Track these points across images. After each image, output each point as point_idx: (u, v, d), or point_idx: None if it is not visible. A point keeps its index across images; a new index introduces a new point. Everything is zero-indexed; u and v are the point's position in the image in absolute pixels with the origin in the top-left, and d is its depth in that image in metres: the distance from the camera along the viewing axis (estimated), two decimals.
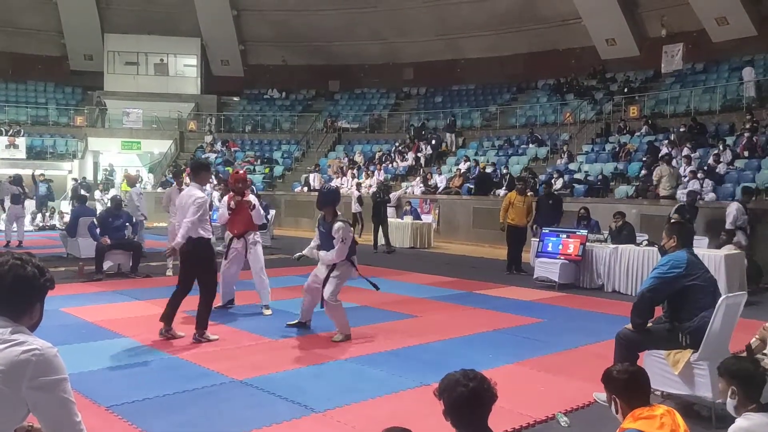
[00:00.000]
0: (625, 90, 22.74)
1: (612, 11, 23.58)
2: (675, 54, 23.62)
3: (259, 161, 26.48)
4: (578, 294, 9.84)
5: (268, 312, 8.13)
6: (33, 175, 20.42)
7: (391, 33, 28.56)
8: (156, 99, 28.36)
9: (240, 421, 4.33)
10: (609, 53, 24.91)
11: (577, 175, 18.20)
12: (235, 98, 31.24)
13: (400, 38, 28.61)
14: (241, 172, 9.35)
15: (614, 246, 10.09)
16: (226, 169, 25.05)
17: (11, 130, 25.02)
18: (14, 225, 15.61)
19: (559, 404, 4.68)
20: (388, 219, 17.97)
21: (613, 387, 2.96)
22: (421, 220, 17.36)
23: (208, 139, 27.89)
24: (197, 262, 6.70)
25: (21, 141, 24.82)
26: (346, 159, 24.96)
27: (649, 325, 4.63)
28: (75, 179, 24.26)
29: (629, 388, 2.88)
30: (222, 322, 7.44)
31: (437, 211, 18.31)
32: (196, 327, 6.62)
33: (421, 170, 22.27)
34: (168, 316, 6.71)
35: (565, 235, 10.43)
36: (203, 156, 26.87)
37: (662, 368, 4.48)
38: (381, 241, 15.73)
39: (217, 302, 7.53)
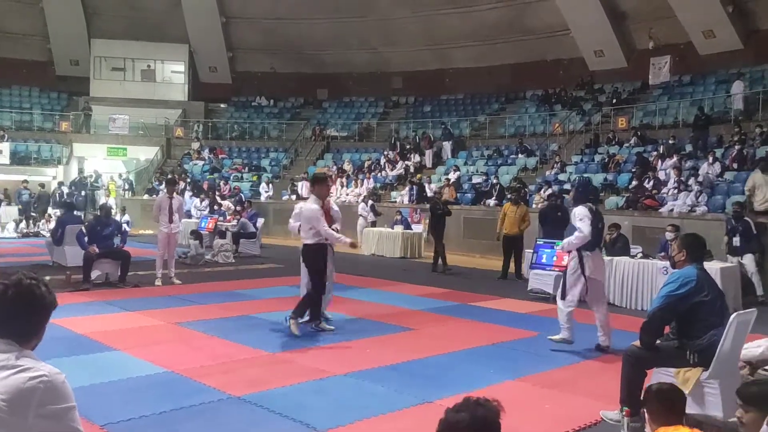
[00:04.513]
0: (614, 101, 22.87)
1: (600, 23, 23.74)
2: (662, 66, 23.82)
3: (246, 169, 26.28)
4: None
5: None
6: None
7: (379, 42, 28.55)
8: (143, 105, 28.07)
9: None
10: (597, 64, 25.07)
11: (566, 186, 18.21)
12: (223, 105, 31.04)
13: (388, 47, 28.61)
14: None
15: (609, 258, 10.05)
16: (211, 177, 24.90)
17: None
18: None
19: (567, 423, 4.60)
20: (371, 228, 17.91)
21: (648, 404, 2.87)
22: (411, 229, 17.27)
23: (195, 146, 27.66)
24: (308, 264, 7.56)
25: (5, 146, 24.43)
26: (335, 167, 24.85)
27: (657, 342, 4.56)
28: (60, 183, 24.03)
29: (663, 406, 2.79)
30: (216, 335, 7.29)
31: (427, 221, 18.20)
32: (309, 319, 7.57)
33: (408, 178, 22.21)
34: (315, 314, 7.56)
35: (560, 247, 10.37)
36: (191, 163, 26.73)
37: None
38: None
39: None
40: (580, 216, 6.68)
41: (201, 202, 21.18)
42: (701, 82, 21.95)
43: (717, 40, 21.52)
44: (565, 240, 6.90)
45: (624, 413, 4.38)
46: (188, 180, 24.22)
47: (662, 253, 9.91)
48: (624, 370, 4.55)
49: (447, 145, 23.98)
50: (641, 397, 2.89)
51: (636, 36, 24.18)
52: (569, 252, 7.03)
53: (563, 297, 6.87)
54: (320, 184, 7.65)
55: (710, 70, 22.02)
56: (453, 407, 2.26)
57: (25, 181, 22.57)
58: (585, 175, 18.79)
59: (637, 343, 4.59)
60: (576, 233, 6.71)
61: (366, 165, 24.32)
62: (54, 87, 29.24)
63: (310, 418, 4.61)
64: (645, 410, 2.84)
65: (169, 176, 16.83)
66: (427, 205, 15.55)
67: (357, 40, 28.50)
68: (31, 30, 28.22)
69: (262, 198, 23.10)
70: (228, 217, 17.90)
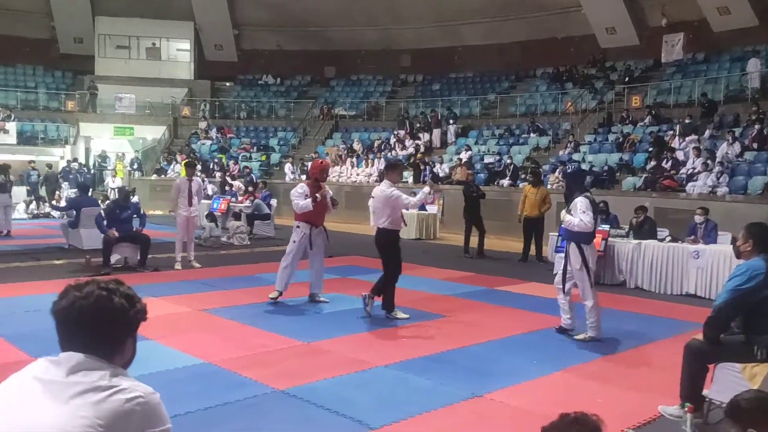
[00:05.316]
0: (626, 79, 22.57)
1: (612, 0, 23.35)
2: (675, 44, 23.47)
3: (255, 148, 26.06)
4: (600, 290, 9.55)
5: (325, 300, 8.43)
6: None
7: (387, 19, 28.13)
8: (148, 84, 27.75)
9: None
10: (608, 42, 24.73)
11: (582, 166, 18.01)
12: (229, 84, 30.71)
13: (397, 24, 28.20)
14: (324, 161, 9.41)
15: (637, 242, 9.92)
16: (220, 156, 24.69)
17: (2, 115, 24.41)
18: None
19: (624, 419, 4.48)
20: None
21: (748, 419, 2.65)
22: (426, 210, 17.10)
23: (203, 125, 27.41)
24: (382, 250, 7.54)
25: (11, 126, 24.22)
26: (344, 147, 24.63)
27: (721, 336, 4.42)
28: (70, 160, 23.90)
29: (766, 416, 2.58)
30: (246, 323, 7.18)
31: (441, 201, 18.06)
32: (383, 307, 7.56)
33: (419, 158, 21.97)
34: (388, 303, 7.52)
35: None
36: (199, 142, 26.49)
37: (737, 382, 4.28)
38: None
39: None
40: (582, 208, 6.62)
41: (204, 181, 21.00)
42: (715, 60, 21.65)
43: (731, 17, 21.16)
44: (567, 218, 6.73)
45: (687, 409, 4.26)
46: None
47: (691, 237, 9.76)
48: (685, 364, 4.42)
49: (452, 129, 23.69)
50: (737, 408, 2.64)
51: (648, 13, 23.80)
52: (569, 245, 6.83)
53: (592, 297, 6.71)
54: (393, 170, 7.80)
55: (725, 48, 21.70)
56: (549, 426, 2.12)
57: (33, 162, 22.37)
58: (600, 154, 18.61)
59: (700, 336, 4.45)
60: (578, 222, 6.58)
61: (376, 144, 24.09)
62: (58, 65, 28.91)
63: (361, 415, 4.50)
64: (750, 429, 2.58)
65: (189, 158, 16.60)
66: (440, 186, 15.22)
67: (364, 16, 28.08)
68: (34, 7, 27.82)
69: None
70: (240, 198, 17.73)
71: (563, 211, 7.02)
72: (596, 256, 7.48)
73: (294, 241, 8.26)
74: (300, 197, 8.07)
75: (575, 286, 6.85)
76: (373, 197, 8.03)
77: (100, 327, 1.89)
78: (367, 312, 7.57)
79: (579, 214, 6.58)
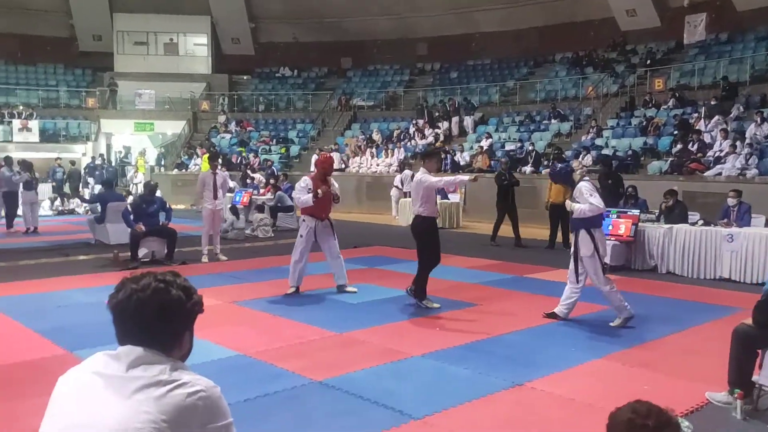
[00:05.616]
0: (648, 62, 22.24)
1: None
2: (698, 24, 23.06)
3: (274, 141, 26.08)
4: (632, 276, 9.55)
5: (353, 290, 8.38)
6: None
7: (403, 7, 27.96)
8: (167, 79, 27.86)
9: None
10: (629, 24, 24.37)
11: (605, 151, 17.80)
12: (246, 77, 30.74)
13: (412, 13, 28.01)
14: (329, 156, 9.47)
15: (668, 226, 9.77)
16: (240, 150, 24.73)
17: (24, 113, 24.66)
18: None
19: (673, 406, 4.37)
20: (401, 199, 17.62)
21: None
22: (448, 199, 17.00)
23: (222, 119, 27.47)
24: (419, 237, 7.47)
25: (34, 124, 24.46)
26: (363, 137, 24.56)
27: None
28: (95, 156, 24.11)
29: None
30: (278, 314, 7.17)
31: (464, 189, 17.93)
32: (414, 295, 7.48)
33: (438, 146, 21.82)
34: (420, 291, 7.44)
35: (615, 215, 10.11)
36: (219, 136, 26.55)
37: None
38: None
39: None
40: (588, 191, 6.61)
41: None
42: (740, 40, 21.24)
43: None
44: (577, 206, 6.64)
45: (736, 396, 4.18)
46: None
47: (724, 220, 9.59)
48: (733, 350, 4.33)
49: (469, 120, 23.47)
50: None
51: None
52: (579, 231, 6.73)
53: (605, 283, 6.64)
54: (431, 158, 7.73)
55: (749, 27, 21.27)
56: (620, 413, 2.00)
57: (59, 159, 22.61)
58: (623, 139, 18.38)
59: (749, 321, 4.34)
60: (589, 207, 6.52)
61: (395, 134, 23.99)
62: (78, 63, 29.12)
63: (402, 405, 4.45)
64: None
65: (210, 151, 16.62)
66: (467, 174, 14.95)
67: (379, 6, 27.93)
68: (53, 6, 28.01)
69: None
70: (262, 191, 17.75)
71: (567, 201, 6.94)
72: (606, 241, 7.42)
73: (301, 236, 8.29)
74: (302, 191, 8.09)
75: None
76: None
77: (158, 320, 1.85)
78: (425, 305, 7.48)
79: (588, 199, 6.53)
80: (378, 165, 22.30)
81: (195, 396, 1.81)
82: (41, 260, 10.91)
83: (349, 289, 8.40)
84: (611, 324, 6.67)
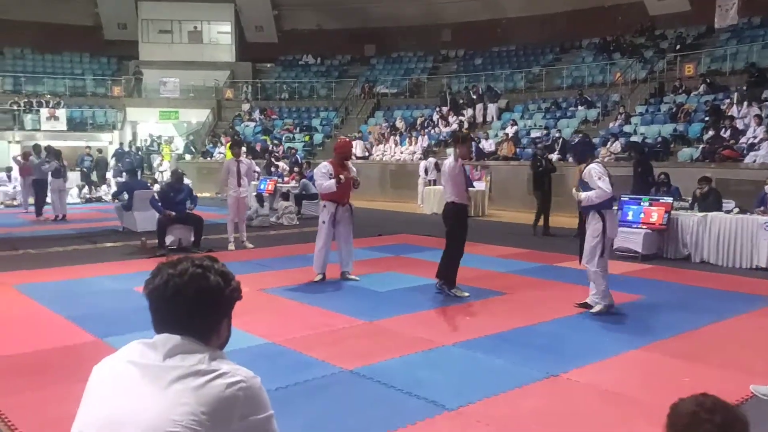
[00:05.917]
0: (677, 47, 21.76)
1: None
2: (729, 8, 22.43)
3: (297, 129, 26.05)
4: (665, 265, 9.35)
5: (356, 278, 8.30)
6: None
7: None
8: (191, 68, 27.98)
9: (373, 422, 3.98)
10: (657, 9, 23.86)
11: (633, 138, 17.48)
12: (270, 65, 30.71)
13: None
14: (347, 140, 9.48)
15: (703, 214, 9.54)
16: (264, 138, 24.73)
17: (52, 102, 24.90)
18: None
19: None
20: (425, 187, 17.46)
21: None
22: (473, 187, 16.81)
23: (246, 107, 27.50)
24: (448, 224, 7.40)
25: (61, 112, 24.70)
26: (387, 125, 24.41)
27: None
28: (130, 142, 24.29)
29: None
30: (306, 302, 7.11)
31: (489, 177, 17.76)
32: (444, 283, 7.37)
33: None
34: (450, 279, 7.33)
35: (647, 203, 9.89)
36: (243, 124, 26.58)
37: None
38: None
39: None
40: (598, 175, 6.44)
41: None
42: None
43: None
44: (584, 195, 6.47)
45: None
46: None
47: (761, 208, 9.34)
48: None
49: (492, 107, 23.16)
50: None
51: None
52: (589, 213, 6.60)
53: (596, 265, 6.51)
54: (461, 144, 7.49)
55: None
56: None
57: (89, 147, 22.84)
58: (652, 126, 18.03)
59: None
60: (596, 191, 6.38)
61: (419, 122, 23.81)
62: (104, 52, 29.31)
63: (435, 395, 4.36)
64: None
65: (233, 139, 16.60)
66: (484, 163, 14.73)
67: None
68: None
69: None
70: (286, 179, 17.73)
71: (573, 190, 6.75)
72: (617, 225, 7.31)
73: (323, 222, 8.27)
74: (324, 177, 8.08)
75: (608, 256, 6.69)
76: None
77: (195, 306, 1.77)
78: (454, 294, 7.38)
79: (596, 182, 6.39)
80: (402, 153, 22.17)
81: (235, 387, 1.73)
82: (70, 247, 10.99)
83: (351, 277, 8.34)
84: (591, 311, 6.55)
